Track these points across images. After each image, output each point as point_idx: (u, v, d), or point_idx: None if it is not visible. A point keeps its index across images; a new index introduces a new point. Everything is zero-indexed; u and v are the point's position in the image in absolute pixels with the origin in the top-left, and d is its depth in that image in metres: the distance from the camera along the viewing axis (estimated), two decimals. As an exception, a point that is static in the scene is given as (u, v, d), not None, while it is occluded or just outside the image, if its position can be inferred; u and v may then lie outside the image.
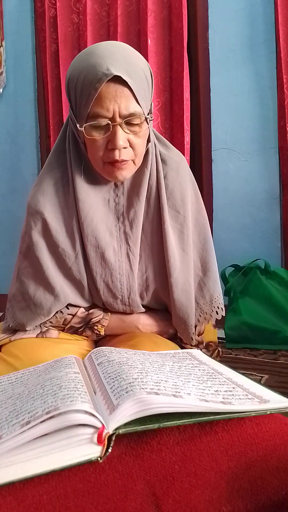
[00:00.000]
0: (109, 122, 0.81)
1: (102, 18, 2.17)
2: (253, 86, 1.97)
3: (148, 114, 0.85)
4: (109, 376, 0.55)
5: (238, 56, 1.99)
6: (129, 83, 0.79)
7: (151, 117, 0.86)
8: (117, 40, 2.03)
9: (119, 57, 0.80)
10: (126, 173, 0.88)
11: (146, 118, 0.84)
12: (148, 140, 0.90)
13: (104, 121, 0.81)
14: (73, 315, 0.95)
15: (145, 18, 1.99)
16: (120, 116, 0.81)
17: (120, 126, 0.82)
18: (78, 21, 2.22)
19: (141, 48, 2.01)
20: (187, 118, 1.97)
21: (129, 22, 2.09)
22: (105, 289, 0.93)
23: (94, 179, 0.92)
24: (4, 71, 2.48)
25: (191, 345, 0.96)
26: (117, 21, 2.07)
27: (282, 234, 1.95)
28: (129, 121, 0.82)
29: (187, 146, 1.97)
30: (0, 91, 2.50)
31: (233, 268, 1.84)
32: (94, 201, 0.92)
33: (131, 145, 0.85)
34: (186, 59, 1.95)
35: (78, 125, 0.84)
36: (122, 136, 0.82)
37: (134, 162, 0.88)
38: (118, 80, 0.79)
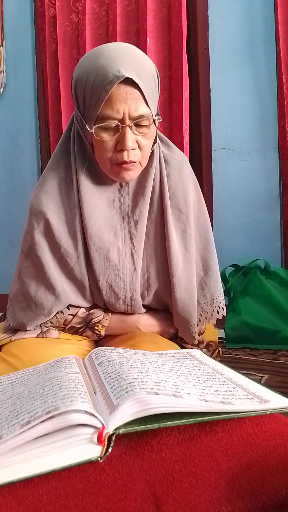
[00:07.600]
0: (119, 123, 0.82)
1: (101, 17, 2.17)
2: (253, 86, 1.97)
3: (155, 116, 0.85)
4: (109, 376, 0.55)
5: (238, 56, 1.99)
6: (139, 85, 0.80)
7: (159, 119, 0.87)
8: (116, 40, 2.04)
9: (129, 59, 0.81)
10: (133, 174, 0.88)
11: (154, 120, 0.85)
12: (154, 141, 0.91)
13: (113, 123, 0.82)
14: (74, 315, 0.95)
15: (144, 17, 1.99)
16: (129, 118, 0.81)
17: (130, 128, 0.82)
18: (77, 20, 2.22)
19: (140, 48, 1.99)
20: (186, 117, 1.97)
21: (128, 22, 2.08)
22: (108, 289, 0.93)
23: (99, 180, 0.93)
24: (4, 71, 2.48)
25: (193, 345, 0.96)
26: (116, 20, 2.06)
27: (282, 234, 1.95)
28: (138, 122, 0.83)
29: (186, 145, 1.96)
30: (0, 91, 2.50)
31: (233, 268, 1.84)
32: (99, 202, 0.92)
33: (139, 146, 0.85)
34: (185, 58, 1.95)
35: (87, 126, 0.84)
36: (131, 137, 0.83)
37: (140, 163, 0.88)
38: (128, 81, 0.79)
